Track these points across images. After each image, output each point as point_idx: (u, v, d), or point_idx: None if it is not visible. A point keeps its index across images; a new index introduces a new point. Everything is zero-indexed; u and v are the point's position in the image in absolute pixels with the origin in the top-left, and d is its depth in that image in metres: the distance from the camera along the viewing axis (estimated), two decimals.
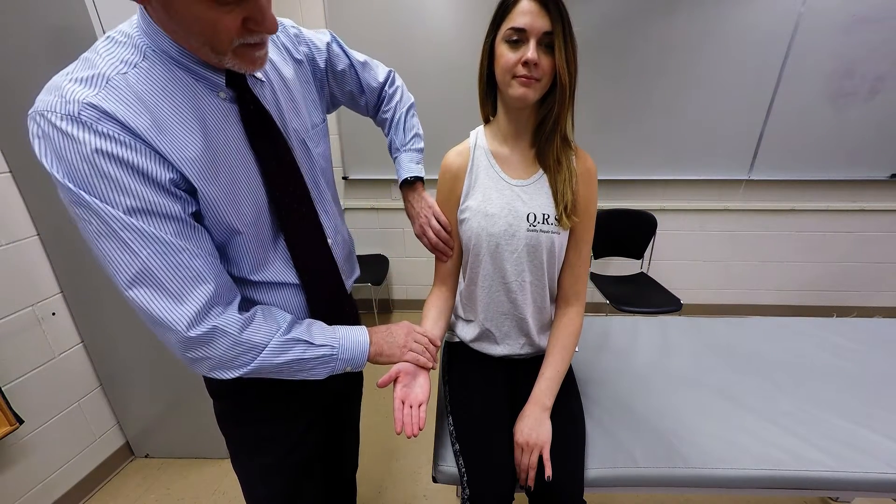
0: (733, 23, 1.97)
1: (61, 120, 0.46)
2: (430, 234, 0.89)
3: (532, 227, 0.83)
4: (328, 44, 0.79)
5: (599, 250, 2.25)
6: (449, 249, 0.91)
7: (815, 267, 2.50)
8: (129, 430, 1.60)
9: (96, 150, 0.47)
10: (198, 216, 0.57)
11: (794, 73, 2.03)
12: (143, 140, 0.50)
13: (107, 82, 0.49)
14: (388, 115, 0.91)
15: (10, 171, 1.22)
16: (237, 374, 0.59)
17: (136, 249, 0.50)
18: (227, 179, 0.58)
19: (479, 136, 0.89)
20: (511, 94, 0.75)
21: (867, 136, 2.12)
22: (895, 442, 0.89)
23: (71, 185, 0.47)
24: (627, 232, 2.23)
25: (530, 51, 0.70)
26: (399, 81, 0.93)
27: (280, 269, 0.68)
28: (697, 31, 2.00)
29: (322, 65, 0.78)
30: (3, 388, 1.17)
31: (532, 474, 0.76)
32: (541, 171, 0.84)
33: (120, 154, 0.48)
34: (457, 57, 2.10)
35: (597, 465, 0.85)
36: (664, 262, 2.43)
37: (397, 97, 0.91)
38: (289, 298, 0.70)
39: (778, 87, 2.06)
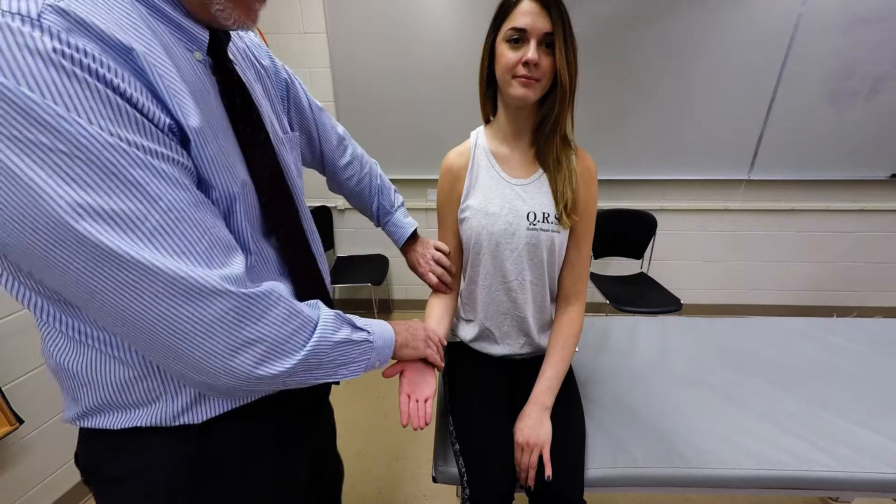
0: (733, 23, 1.97)
1: (11, 19, 0.31)
2: (442, 274, 0.91)
3: (532, 226, 0.83)
4: (291, 74, 0.74)
5: (599, 250, 2.25)
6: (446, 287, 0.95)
7: (815, 267, 2.49)
8: None
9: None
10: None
11: (794, 73, 2.03)
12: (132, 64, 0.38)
13: None
14: (374, 182, 0.92)
15: None
16: (287, 366, 0.46)
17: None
18: (218, 141, 0.48)
19: (480, 136, 0.90)
20: (511, 94, 0.76)
21: (867, 136, 2.11)
22: (895, 442, 0.89)
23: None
24: (627, 232, 2.23)
25: (531, 51, 0.71)
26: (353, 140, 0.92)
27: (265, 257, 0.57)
28: (697, 31, 2.00)
29: (284, 85, 0.72)
30: (3, 388, 1.17)
31: (532, 474, 0.76)
32: (541, 171, 0.85)
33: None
34: (457, 57, 2.09)
35: (597, 465, 0.85)
36: (664, 262, 2.43)
37: (367, 160, 0.93)
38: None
39: (778, 87, 2.06)
